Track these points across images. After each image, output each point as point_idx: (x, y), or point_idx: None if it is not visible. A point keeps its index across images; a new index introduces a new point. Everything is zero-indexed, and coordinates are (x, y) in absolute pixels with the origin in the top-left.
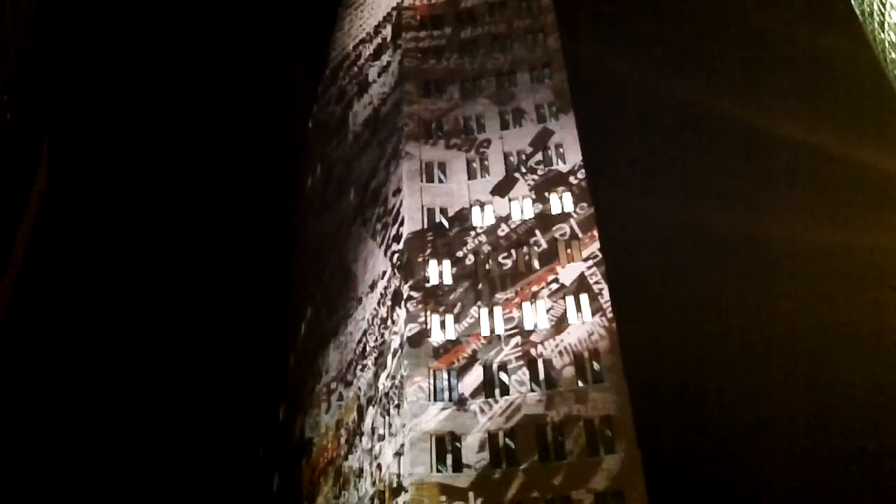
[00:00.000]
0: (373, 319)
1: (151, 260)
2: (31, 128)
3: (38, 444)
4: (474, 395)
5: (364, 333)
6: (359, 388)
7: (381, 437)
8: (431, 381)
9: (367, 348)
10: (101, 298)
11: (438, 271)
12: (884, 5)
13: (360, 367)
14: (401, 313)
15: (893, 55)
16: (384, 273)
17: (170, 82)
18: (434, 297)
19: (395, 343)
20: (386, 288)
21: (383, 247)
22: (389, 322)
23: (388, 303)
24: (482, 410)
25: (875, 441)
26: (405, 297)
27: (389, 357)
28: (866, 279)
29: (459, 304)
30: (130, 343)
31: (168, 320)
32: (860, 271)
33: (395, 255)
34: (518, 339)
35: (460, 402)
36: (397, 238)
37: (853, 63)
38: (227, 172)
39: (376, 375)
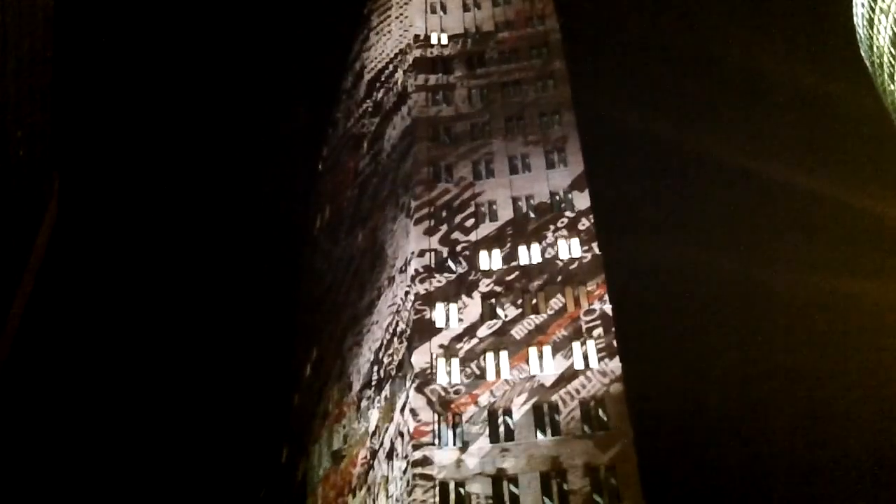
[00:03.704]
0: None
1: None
2: (43, 164)
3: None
4: (479, 440)
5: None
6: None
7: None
8: (436, 426)
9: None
10: (109, 333)
11: (445, 314)
12: (894, 58)
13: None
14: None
15: None
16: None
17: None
18: (441, 341)
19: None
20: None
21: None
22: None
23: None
24: (487, 456)
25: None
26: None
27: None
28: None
29: (466, 347)
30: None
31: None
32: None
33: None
34: (525, 384)
35: (465, 447)
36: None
37: (860, 112)
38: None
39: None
